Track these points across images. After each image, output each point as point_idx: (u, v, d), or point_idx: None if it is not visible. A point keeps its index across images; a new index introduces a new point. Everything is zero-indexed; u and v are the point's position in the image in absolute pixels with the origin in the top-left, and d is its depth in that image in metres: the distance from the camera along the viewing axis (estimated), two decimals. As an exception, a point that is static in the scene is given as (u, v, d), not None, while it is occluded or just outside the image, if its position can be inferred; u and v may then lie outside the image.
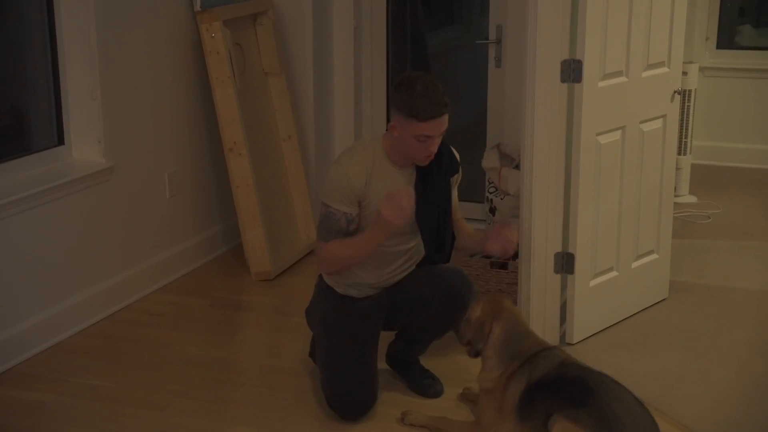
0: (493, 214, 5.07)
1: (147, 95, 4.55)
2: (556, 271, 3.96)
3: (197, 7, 4.70)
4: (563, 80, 3.76)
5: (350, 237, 3.34)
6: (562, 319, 4.03)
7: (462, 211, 3.72)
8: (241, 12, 4.88)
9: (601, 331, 4.10)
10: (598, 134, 3.88)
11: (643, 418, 2.93)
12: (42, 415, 3.50)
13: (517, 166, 4.78)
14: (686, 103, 5.88)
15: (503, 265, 4.49)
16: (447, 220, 3.50)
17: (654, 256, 4.32)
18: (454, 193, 3.58)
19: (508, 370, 3.16)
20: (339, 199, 3.30)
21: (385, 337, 3.66)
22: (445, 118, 3.26)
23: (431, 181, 3.41)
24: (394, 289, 3.52)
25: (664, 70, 4.14)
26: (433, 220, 3.45)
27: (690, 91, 5.88)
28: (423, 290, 3.46)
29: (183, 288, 4.73)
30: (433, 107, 3.20)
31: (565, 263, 3.95)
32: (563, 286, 4.00)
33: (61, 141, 4.32)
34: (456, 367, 3.81)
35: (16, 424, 3.44)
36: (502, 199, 5.02)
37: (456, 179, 3.56)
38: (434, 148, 3.30)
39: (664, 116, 4.20)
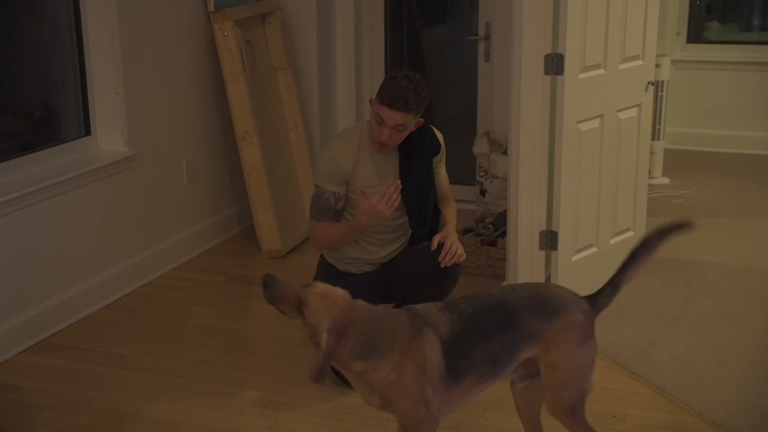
0: (483, 196, 5.06)
1: (166, 89, 4.53)
2: (541, 248, 3.95)
3: (211, 8, 4.68)
4: (546, 73, 3.75)
5: (338, 221, 3.38)
6: (547, 291, 4.03)
7: (454, 193, 3.70)
8: (251, 12, 4.85)
9: (582, 301, 4.10)
10: (578, 122, 3.86)
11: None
12: (73, 381, 3.51)
13: (505, 152, 4.77)
14: (659, 93, 5.86)
15: (493, 243, 4.49)
16: (429, 198, 3.50)
17: (630, 233, 4.31)
18: (441, 170, 3.57)
19: (399, 351, 2.48)
20: (328, 179, 3.33)
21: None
22: (402, 115, 3.21)
23: (414, 161, 3.41)
24: (390, 264, 3.52)
25: (638, 62, 4.12)
26: (416, 198, 3.45)
27: (663, 81, 5.86)
28: (415, 265, 3.45)
29: (200, 265, 4.72)
30: (395, 98, 3.19)
31: (549, 240, 3.94)
32: (547, 262, 4.00)
33: (87, 132, 4.31)
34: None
35: (50, 389, 3.45)
36: (491, 182, 5.01)
37: (439, 158, 3.54)
38: (385, 137, 3.26)
39: (639, 105, 4.18)
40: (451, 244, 3.35)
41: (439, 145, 3.52)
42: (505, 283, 4.05)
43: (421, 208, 3.48)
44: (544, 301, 2.59)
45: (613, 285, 2.71)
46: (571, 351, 2.56)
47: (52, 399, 3.37)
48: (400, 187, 3.20)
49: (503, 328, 2.55)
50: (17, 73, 4.12)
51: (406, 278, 3.48)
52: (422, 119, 3.34)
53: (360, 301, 2.54)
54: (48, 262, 3.88)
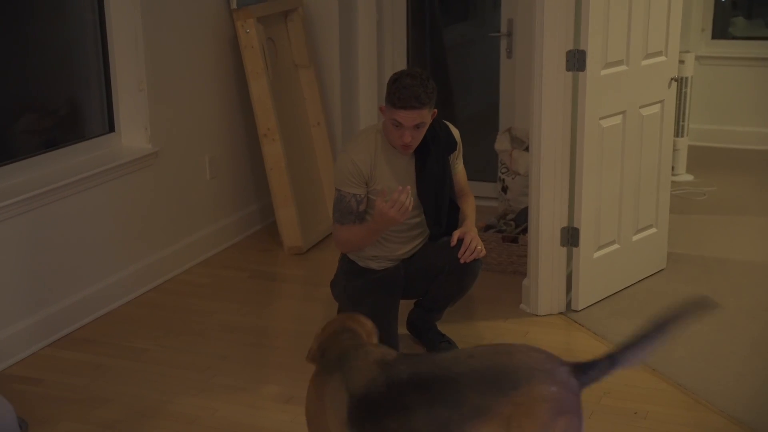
0: (505, 193, 5.05)
1: (189, 86, 4.56)
2: (563, 245, 3.94)
3: (233, 6, 4.70)
4: (568, 69, 3.74)
5: (360, 221, 3.38)
6: (568, 288, 4.02)
7: (475, 190, 3.70)
8: (274, 9, 4.87)
9: (604, 299, 4.09)
10: (600, 118, 3.85)
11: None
12: (97, 375, 3.55)
13: (527, 149, 4.76)
14: (683, 89, 5.82)
15: (514, 239, 4.48)
16: (445, 197, 3.50)
17: (653, 230, 4.29)
18: (459, 166, 3.57)
19: (315, 372, 2.45)
20: (348, 182, 3.33)
21: (405, 306, 3.67)
22: (419, 113, 3.22)
23: (429, 161, 3.41)
24: (410, 261, 3.53)
25: (662, 58, 4.10)
26: (432, 197, 3.45)
27: (687, 78, 5.82)
28: (435, 261, 3.46)
29: (222, 261, 4.75)
30: (407, 98, 3.19)
31: (570, 237, 3.93)
32: (569, 258, 3.99)
33: (111, 128, 4.34)
34: (470, 331, 3.82)
35: (75, 382, 3.49)
36: (513, 179, 5.00)
37: (455, 155, 3.54)
38: (408, 140, 3.27)
39: (662, 101, 4.16)
40: (471, 240, 3.35)
41: (455, 142, 3.53)
42: (525, 280, 4.05)
43: (438, 207, 3.48)
44: (502, 373, 2.21)
45: (611, 360, 2.27)
46: (539, 429, 2.17)
47: (76, 392, 3.41)
48: (410, 192, 3.18)
49: (433, 403, 2.22)
50: (42, 71, 4.17)
51: (426, 274, 3.48)
52: (436, 109, 3.34)
53: (358, 317, 2.58)
54: (72, 257, 3.92)
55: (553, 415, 2.18)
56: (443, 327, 3.70)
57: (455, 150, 3.52)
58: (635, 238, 4.19)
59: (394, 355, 2.37)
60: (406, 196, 3.16)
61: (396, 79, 3.26)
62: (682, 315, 2.27)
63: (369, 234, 3.36)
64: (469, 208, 3.55)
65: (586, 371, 2.26)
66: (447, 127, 3.51)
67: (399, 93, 3.20)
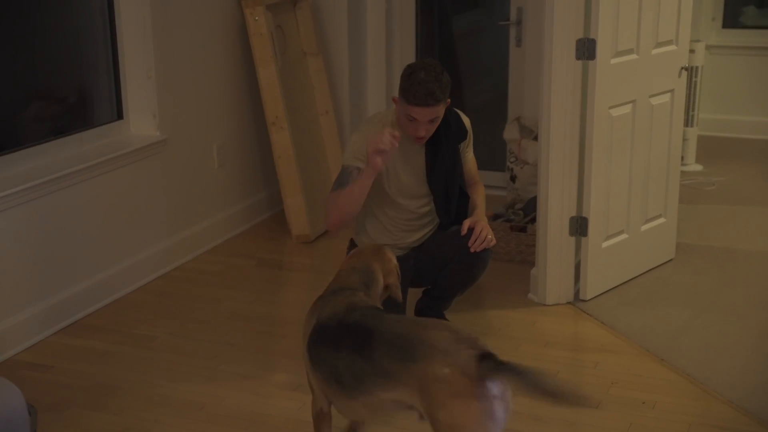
0: (514, 182, 5.04)
1: (197, 74, 4.56)
2: (571, 234, 3.94)
3: (242, -7, 4.70)
4: (578, 58, 3.72)
5: None
6: (577, 277, 4.01)
7: (485, 179, 3.69)
8: (282, -3, 4.86)
9: (612, 288, 4.08)
10: (610, 107, 3.83)
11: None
12: (105, 362, 3.56)
13: (536, 138, 4.74)
14: (693, 79, 5.79)
15: (523, 229, 4.47)
16: (455, 185, 3.48)
17: (662, 220, 4.28)
18: (469, 155, 3.56)
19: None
20: (356, 157, 3.29)
21: (413, 295, 3.67)
22: (434, 109, 3.21)
23: (440, 150, 3.40)
24: (419, 249, 3.52)
25: (672, 47, 4.08)
26: (442, 185, 3.44)
27: (697, 67, 5.79)
28: (445, 250, 3.45)
29: (230, 249, 4.75)
30: (422, 96, 3.17)
31: (579, 226, 3.92)
32: (577, 248, 3.98)
33: (120, 116, 4.34)
34: (478, 320, 3.82)
35: (83, 369, 3.50)
36: (521, 168, 4.99)
37: (466, 144, 3.53)
38: (422, 133, 3.27)
39: (672, 91, 4.14)
40: (481, 229, 3.34)
41: (466, 131, 3.51)
42: (533, 270, 4.04)
43: (448, 196, 3.47)
44: (410, 344, 2.30)
45: (518, 374, 2.20)
46: (434, 408, 2.23)
47: (84, 379, 3.42)
48: (399, 137, 3.11)
49: (355, 352, 2.41)
50: (51, 58, 4.17)
51: (436, 262, 3.48)
52: (449, 99, 3.32)
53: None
54: (81, 244, 3.93)
55: (444, 395, 2.21)
56: (451, 316, 3.70)
57: (466, 139, 3.51)
58: (644, 227, 4.18)
59: (364, 305, 2.56)
60: (390, 137, 3.07)
61: (410, 73, 3.22)
62: (562, 394, 2.18)
63: (358, 188, 3.20)
64: (480, 197, 3.54)
65: (492, 365, 2.21)
66: (458, 115, 3.50)
67: (413, 89, 3.18)
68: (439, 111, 3.24)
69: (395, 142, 3.10)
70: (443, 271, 3.48)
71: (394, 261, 2.84)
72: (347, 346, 2.45)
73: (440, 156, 3.41)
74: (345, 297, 2.60)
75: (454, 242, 3.40)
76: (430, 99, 3.18)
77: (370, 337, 2.39)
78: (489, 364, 2.21)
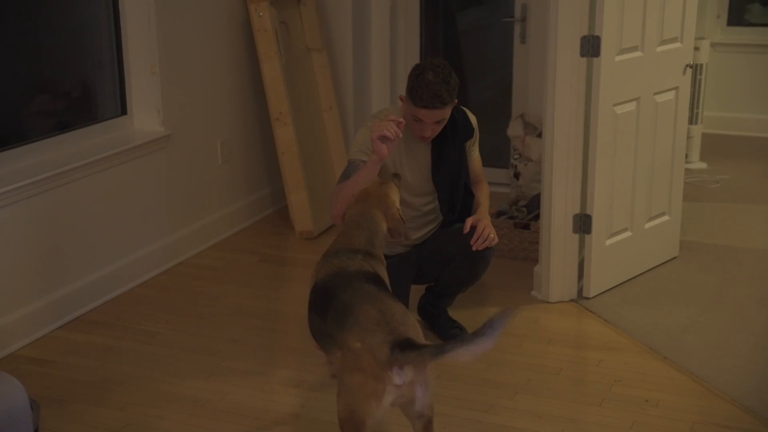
0: (518, 179, 5.03)
1: (201, 70, 4.56)
2: (575, 231, 3.93)
3: (246, -11, 4.69)
4: (583, 55, 3.71)
5: None
6: (580, 275, 4.01)
7: (488, 176, 3.68)
8: (287, -7, 4.86)
9: (616, 286, 4.07)
10: (614, 105, 3.82)
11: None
12: (107, 358, 3.56)
13: (540, 135, 4.73)
14: (698, 76, 5.78)
15: (526, 226, 4.47)
16: (460, 183, 3.48)
17: (666, 218, 4.27)
18: (474, 153, 3.55)
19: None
20: (361, 150, 3.30)
21: (416, 292, 3.66)
22: (440, 111, 3.20)
23: (446, 148, 3.40)
24: (422, 246, 3.52)
25: (677, 45, 4.06)
26: (447, 183, 3.44)
27: (702, 65, 5.78)
28: (447, 248, 3.45)
29: (234, 245, 4.75)
30: (429, 98, 3.16)
31: (583, 224, 3.91)
32: (581, 245, 3.97)
33: (124, 111, 4.34)
34: (480, 317, 3.81)
35: (86, 364, 3.50)
36: (525, 165, 4.98)
37: (472, 142, 3.52)
38: (428, 134, 3.27)
39: (676, 88, 4.13)
40: (484, 228, 3.34)
41: (473, 128, 3.51)
42: (536, 267, 4.03)
43: (452, 194, 3.47)
44: (345, 313, 2.50)
45: (439, 348, 2.31)
46: (340, 371, 2.44)
47: (87, 374, 3.42)
48: (402, 124, 3.12)
49: (319, 314, 2.69)
50: (55, 53, 4.17)
51: (439, 260, 3.48)
52: (456, 99, 3.32)
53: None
54: (84, 239, 3.93)
55: (349, 365, 2.40)
56: (454, 313, 3.69)
57: (472, 137, 3.51)
58: (648, 225, 4.17)
59: (354, 269, 2.71)
60: (393, 126, 3.08)
61: (419, 74, 3.20)
62: (505, 316, 2.28)
63: (363, 176, 3.17)
64: (483, 195, 3.54)
65: (404, 350, 2.33)
66: (464, 113, 3.49)
67: (421, 91, 3.16)
68: (446, 113, 3.24)
69: (399, 130, 3.10)
70: (446, 269, 3.48)
71: (397, 203, 2.96)
72: (319, 308, 2.70)
73: (446, 154, 3.40)
74: (339, 260, 2.76)
75: (457, 240, 3.39)
76: (437, 101, 3.17)
77: (331, 301, 2.61)
78: (397, 353, 2.32)
